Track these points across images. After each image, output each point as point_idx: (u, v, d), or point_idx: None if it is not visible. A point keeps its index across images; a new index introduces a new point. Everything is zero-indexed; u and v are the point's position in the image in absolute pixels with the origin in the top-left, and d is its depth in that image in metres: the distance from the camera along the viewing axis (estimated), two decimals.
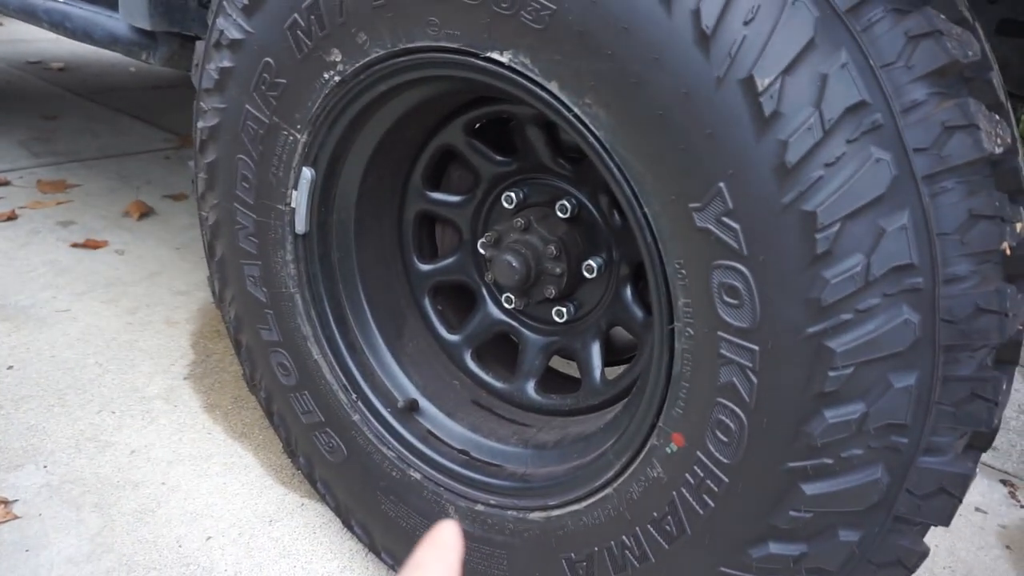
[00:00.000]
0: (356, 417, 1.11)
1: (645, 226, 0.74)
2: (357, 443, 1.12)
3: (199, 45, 1.07)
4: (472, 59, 0.80)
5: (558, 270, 1.03)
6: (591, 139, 0.74)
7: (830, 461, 0.68)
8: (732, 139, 0.64)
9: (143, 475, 1.35)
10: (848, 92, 0.59)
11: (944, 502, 0.67)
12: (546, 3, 0.70)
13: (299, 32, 0.91)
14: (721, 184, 0.66)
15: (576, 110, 0.74)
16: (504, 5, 0.73)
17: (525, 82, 0.77)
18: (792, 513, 0.71)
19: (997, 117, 0.62)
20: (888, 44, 0.59)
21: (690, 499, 0.78)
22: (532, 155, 1.06)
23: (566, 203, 1.03)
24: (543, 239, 1.03)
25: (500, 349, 1.24)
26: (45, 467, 1.33)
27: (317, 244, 1.09)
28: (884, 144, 0.60)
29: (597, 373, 1.07)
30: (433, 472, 1.06)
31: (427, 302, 1.22)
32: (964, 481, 0.66)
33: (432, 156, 1.13)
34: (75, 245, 2.10)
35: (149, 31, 1.29)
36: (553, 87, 0.74)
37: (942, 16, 0.60)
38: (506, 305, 1.14)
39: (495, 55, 0.77)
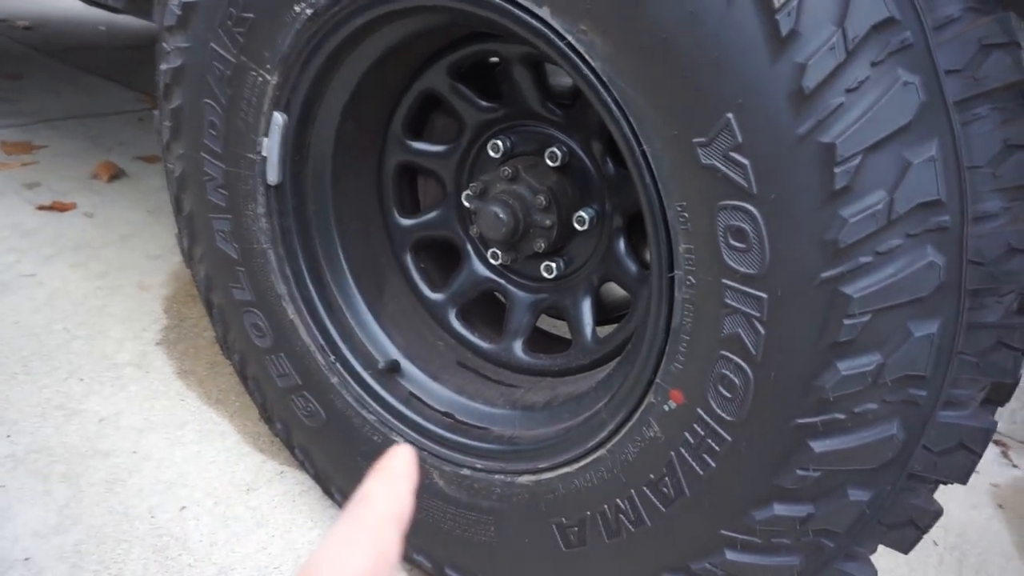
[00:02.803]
0: (335, 379, 1.06)
1: (644, 167, 0.68)
2: (336, 407, 1.06)
3: None
4: None
5: (548, 222, 0.97)
6: (586, 71, 0.68)
7: (842, 416, 0.63)
8: (743, 64, 0.58)
9: (113, 444, 1.29)
10: (875, 8, 0.53)
11: (963, 458, 0.63)
12: None
13: None
14: (729, 115, 0.60)
15: (570, 38, 0.67)
16: None
17: (515, 9, 0.70)
18: (799, 472, 0.67)
19: None
20: None
21: (689, 459, 0.74)
22: (520, 100, 0.99)
23: (556, 151, 0.97)
24: (532, 189, 0.97)
25: (486, 308, 1.18)
26: (9, 437, 1.27)
27: (291, 196, 1.02)
28: (913, 66, 0.54)
29: (588, 331, 1.02)
30: (416, 436, 1.01)
31: (409, 259, 1.16)
32: (984, 436, 0.62)
33: (414, 102, 1.06)
34: (41, 208, 2.00)
35: None
36: (544, 13, 0.68)
37: None
38: (492, 261, 1.09)
39: None
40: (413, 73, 1.03)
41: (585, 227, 0.97)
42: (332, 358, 1.06)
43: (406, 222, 1.14)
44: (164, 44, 1.00)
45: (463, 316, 1.14)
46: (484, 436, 0.99)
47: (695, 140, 0.62)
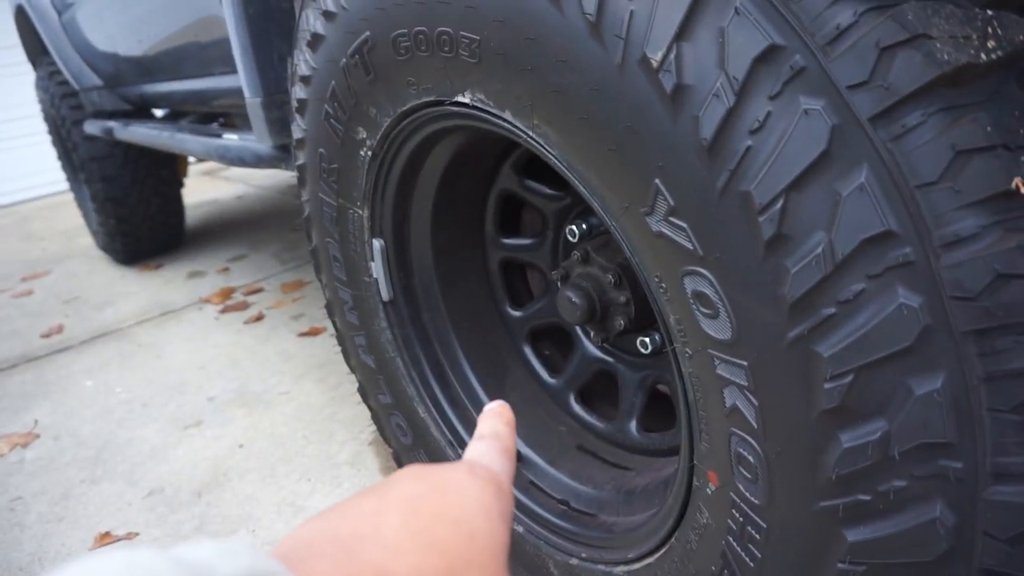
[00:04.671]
0: None
1: (622, 241, 0.66)
2: None
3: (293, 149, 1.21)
4: (449, 107, 0.80)
5: (622, 298, 0.95)
6: (553, 160, 0.69)
7: (867, 497, 0.53)
8: (651, 128, 0.55)
9: None
10: (752, 40, 0.48)
11: None
12: (471, 35, 0.69)
13: (332, 120, 0.99)
14: (657, 180, 0.57)
15: (532, 133, 0.70)
16: (446, 49, 0.73)
17: (490, 116, 0.75)
18: (840, 566, 0.56)
19: (989, 12, 0.45)
20: None
21: (738, 548, 0.66)
22: None
23: None
24: (602, 268, 0.97)
25: (607, 389, 1.17)
26: (253, 531, 1.54)
27: (405, 308, 1.14)
28: (812, 90, 0.47)
29: None
30: (533, 524, 1.02)
31: (528, 348, 1.20)
32: None
33: (496, 204, 1.13)
34: (301, 334, 2.44)
35: (284, 145, 1.49)
36: (508, 116, 0.71)
37: None
38: (596, 342, 1.08)
39: (460, 98, 0.76)
40: (489, 178, 1.10)
41: None
42: (461, 452, 1.13)
43: (517, 313, 1.19)
44: (300, 198, 1.21)
45: (583, 399, 1.14)
46: (591, 523, 0.97)
47: (641, 210, 0.60)
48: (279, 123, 1.37)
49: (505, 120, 0.72)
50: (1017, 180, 0.43)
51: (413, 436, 1.19)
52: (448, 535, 0.35)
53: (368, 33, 0.82)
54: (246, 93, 1.39)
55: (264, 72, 1.33)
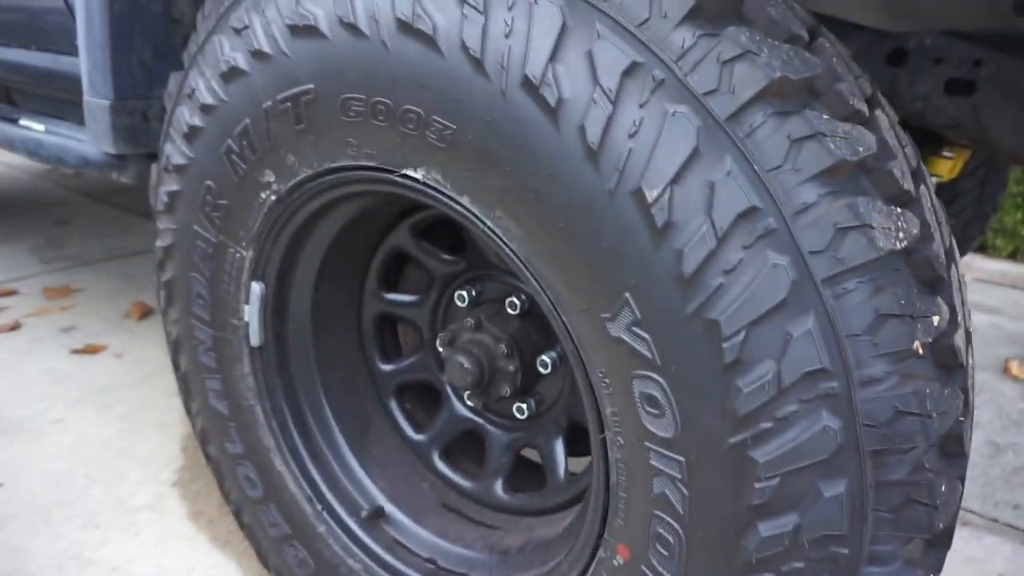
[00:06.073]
0: (322, 528, 1.09)
1: (566, 335, 0.72)
2: (324, 556, 1.09)
3: (153, 169, 1.10)
4: (391, 175, 0.80)
5: (511, 367, 1.01)
6: (507, 250, 0.74)
7: (772, 575, 0.64)
8: (631, 250, 0.63)
9: None
10: (737, 198, 0.58)
11: None
12: (447, 123, 0.71)
13: (234, 156, 0.93)
14: (627, 295, 0.64)
15: (488, 223, 0.74)
16: (410, 126, 0.74)
17: (441, 196, 0.77)
18: None
19: (899, 209, 0.60)
20: (773, 148, 0.58)
21: None
22: (479, 253, 1.05)
23: (515, 299, 1.02)
24: (494, 337, 1.02)
25: (471, 446, 1.21)
26: None
27: (274, 355, 1.09)
28: (780, 248, 0.58)
29: (560, 471, 1.04)
30: None
31: (393, 403, 1.20)
32: None
33: (384, 259, 1.13)
34: (75, 351, 2.13)
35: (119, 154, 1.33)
36: (465, 201, 0.75)
37: (826, 116, 0.59)
38: (468, 403, 1.13)
39: (410, 172, 0.78)
40: (381, 235, 1.11)
41: (548, 370, 1.01)
42: (319, 507, 1.10)
43: (387, 368, 1.20)
44: (158, 224, 1.10)
45: (447, 456, 1.18)
46: None
47: (602, 315, 0.67)
48: (127, 131, 1.24)
49: (459, 204, 0.75)
50: (917, 342, 0.57)
51: (264, 488, 1.13)
52: None
53: (312, 86, 0.80)
54: (88, 92, 1.23)
55: (119, 75, 1.19)
